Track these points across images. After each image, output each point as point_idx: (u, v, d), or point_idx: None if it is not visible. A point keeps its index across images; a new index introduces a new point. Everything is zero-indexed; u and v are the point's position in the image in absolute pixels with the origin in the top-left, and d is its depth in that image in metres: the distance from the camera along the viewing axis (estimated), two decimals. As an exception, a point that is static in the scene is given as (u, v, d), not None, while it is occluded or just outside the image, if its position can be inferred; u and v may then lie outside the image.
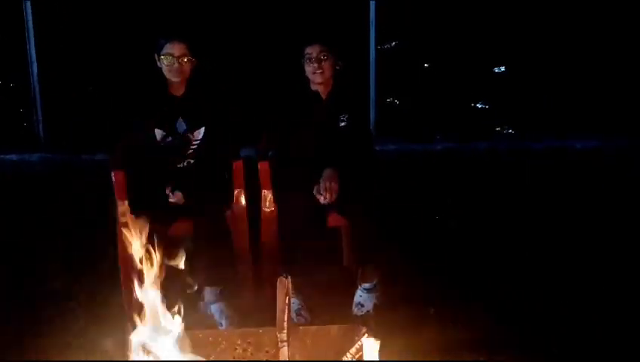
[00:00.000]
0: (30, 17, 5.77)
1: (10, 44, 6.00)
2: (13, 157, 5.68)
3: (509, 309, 3.03)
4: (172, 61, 3.00)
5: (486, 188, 4.73)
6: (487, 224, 4.06)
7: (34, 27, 5.80)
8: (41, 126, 5.95)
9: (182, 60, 3.01)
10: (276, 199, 3.16)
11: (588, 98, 6.19)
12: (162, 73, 3.05)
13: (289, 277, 2.07)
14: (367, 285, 3.05)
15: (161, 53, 3.01)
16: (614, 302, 3.09)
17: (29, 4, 5.73)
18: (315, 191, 2.95)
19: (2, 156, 5.66)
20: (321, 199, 2.94)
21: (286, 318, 2.02)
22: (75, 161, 5.57)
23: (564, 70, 6.26)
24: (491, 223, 4.08)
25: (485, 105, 6.46)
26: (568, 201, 4.41)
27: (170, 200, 2.94)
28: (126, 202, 3.04)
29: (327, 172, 2.98)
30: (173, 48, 3.01)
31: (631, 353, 2.71)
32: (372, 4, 5.90)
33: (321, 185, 2.94)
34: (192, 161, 3.13)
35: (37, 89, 5.91)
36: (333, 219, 3.08)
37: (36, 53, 5.84)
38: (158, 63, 3.05)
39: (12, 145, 5.85)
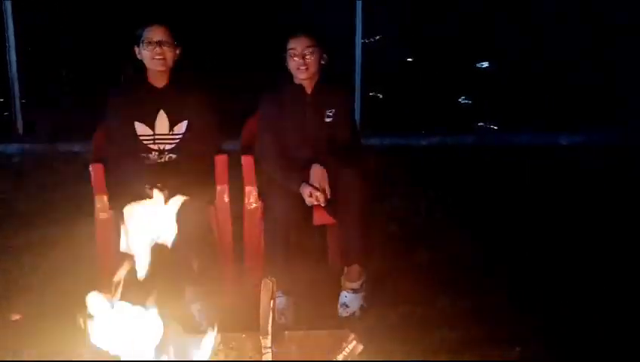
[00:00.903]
0: (9, 6, 5.63)
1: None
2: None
3: (496, 309, 2.97)
4: (153, 47, 2.90)
5: (472, 184, 4.68)
6: (474, 220, 4.01)
7: (12, 15, 5.65)
8: (19, 116, 5.81)
9: (164, 46, 2.90)
10: (260, 195, 3.07)
11: (573, 93, 6.18)
12: (143, 65, 2.95)
13: (274, 279, 1.99)
14: (352, 285, 2.98)
15: (142, 40, 2.91)
16: (605, 297, 3.06)
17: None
18: (304, 192, 2.86)
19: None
20: (312, 200, 2.86)
21: (270, 323, 1.94)
22: (53, 151, 5.43)
23: (549, 65, 6.25)
24: (479, 219, 4.02)
25: (468, 100, 6.44)
26: (554, 198, 4.38)
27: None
28: (105, 197, 2.95)
29: (315, 170, 2.89)
30: (153, 33, 2.91)
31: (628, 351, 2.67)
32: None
33: (311, 185, 2.86)
34: (173, 156, 3.03)
35: (15, 78, 5.77)
36: (320, 217, 3.00)
37: (15, 42, 5.70)
38: (139, 55, 2.95)
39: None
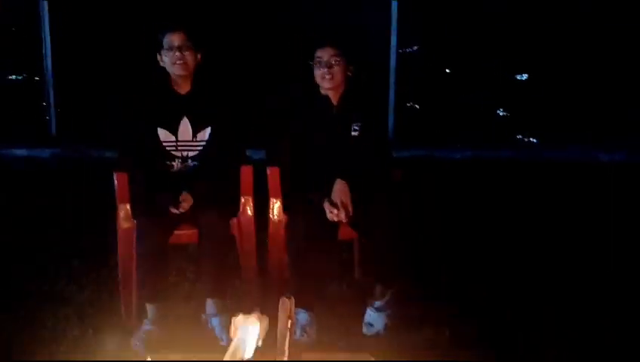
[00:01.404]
0: (46, 13, 5.70)
1: (25, 39, 5.95)
2: (24, 152, 5.59)
3: (529, 334, 2.85)
4: (174, 52, 2.86)
5: (507, 201, 4.54)
6: (509, 240, 3.87)
7: (49, 22, 5.71)
8: (53, 121, 5.87)
9: (184, 51, 2.86)
10: (285, 208, 3.00)
11: (614, 108, 6.00)
12: (166, 72, 2.91)
13: (292, 298, 1.91)
14: (377, 303, 2.88)
15: (163, 46, 2.88)
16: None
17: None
18: (326, 207, 2.79)
19: (13, 150, 5.57)
20: (333, 216, 2.78)
21: (287, 343, 1.86)
22: (85, 157, 5.46)
23: (589, 79, 6.09)
24: (514, 239, 3.88)
25: (506, 112, 6.32)
26: (592, 217, 4.21)
27: (174, 211, 2.80)
28: (127, 206, 2.91)
29: (337, 186, 2.82)
30: (174, 38, 2.87)
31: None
32: (394, 6, 5.73)
33: (333, 201, 2.78)
34: (196, 163, 2.97)
35: (50, 84, 5.84)
36: (345, 232, 2.91)
37: (51, 48, 5.76)
38: (161, 62, 2.91)
39: (23, 140, 5.78)
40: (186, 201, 2.82)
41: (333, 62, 2.89)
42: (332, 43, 2.92)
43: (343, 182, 2.81)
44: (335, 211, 2.77)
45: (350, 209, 2.79)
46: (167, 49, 2.88)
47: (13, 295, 3.12)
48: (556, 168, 5.26)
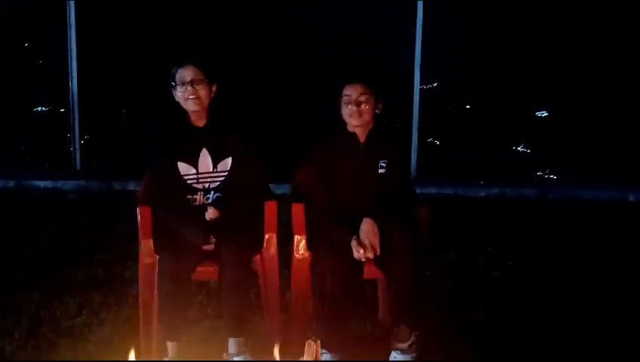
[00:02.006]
0: (74, 45, 5.77)
1: (53, 71, 6.03)
2: (48, 183, 5.63)
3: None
4: (185, 87, 2.85)
5: (532, 240, 4.45)
6: (535, 280, 3.78)
7: (77, 56, 5.79)
8: (77, 153, 5.91)
9: (196, 85, 2.85)
10: (309, 245, 2.95)
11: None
12: (181, 106, 2.90)
13: (318, 341, 1.86)
14: (401, 346, 2.81)
15: (175, 81, 2.87)
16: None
17: (73, 33, 5.75)
18: (353, 246, 2.74)
19: (36, 182, 5.60)
20: (360, 256, 2.73)
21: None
22: (109, 189, 5.48)
23: (614, 116, 6.03)
24: (539, 279, 3.79)
25: (527, 148, 6.28)
26: (621, 261, 4.10)
27: (206, 248, 2.76)
28: (150, 241, 2.88)
29: (365, 225, 2.76)
30: (185, 73, 2.86)
31: None
32: (418, 43, 5.74)
33: (360, 239, 2.73)
34: (219, 195, 2.94)
35: (76, 115, 5.88)
36: (370, 271, 2.85)
37: (77, 80, 5.83)
38: (176, 97, 2.91)
39: (47, 172, 5.83)
40: (210, 217, 2.80)
41: (362, 100, 2.86)
42: (362, 80, 2.89)
43: (371, 221, 2.76)
44: (362, 251, 2.71)
45: (378, 249, 2.73)
46: (179, 84, 2.87)
47: (32, 328, 3.09)
48: (587, 208, 5.16)
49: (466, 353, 2.91)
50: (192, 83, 2.85)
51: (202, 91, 2.87)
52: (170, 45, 5.77)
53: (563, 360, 2.93)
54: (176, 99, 2.90)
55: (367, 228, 2.75)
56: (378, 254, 2.74)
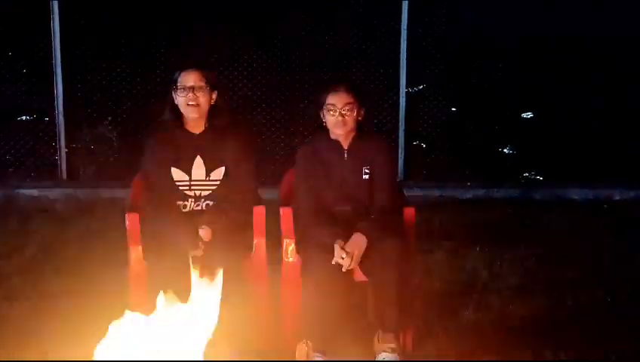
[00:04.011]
0: (58, 52, 5.76)
1: (37, 79, 6.01)
2: (35, 192, 5.60)
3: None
4: (187, 92, 2.86)
5: (518, 240, 4.48)
6: (521, 279, 3.81)
7: (61, 64, 5.77)
8: (63, 161, 5.89)
9: (197, 92, 2.87)
10: (299, 249, 2.97)
11: (623, 145, 5.99)
12: (179, 111, 2.91)
13: (309, 343, 1.88)
14: (388, 345, 2.81)
15: (176, 85, 2.89)
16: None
17: (57, 40, 5.73)
18: (335, 249, 2.77)
19: (23, 190, 5.57)
20: (339, 260, 2.76)
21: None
22: (95, 197, 5.46)
23: (599, 116, 6.10)
24: (526, 278, 3.83)
25: (512, 150, 6.33)
26: (607, 260, 4.14)
27: (195, 254, 2.77)
28: (139, 248, 2.88)
29: (356, 238, 2.80)
30: (188, 78, 2.88)
31: None
32: (403, 46, 5.78)
33: (346, 248, 2.77)
34: (210, 203, 2.95)
35: (61, 123, 5.86)
36: (360, 274, 2.87)
37: (63, 87, 5.81)
38: (175, 100, 2.92)
39: (34, 180, 5.81)
40: (205, 240, 2.79)
41: (347, 109, 2.89)
42: (345, 89, 2.92)
43: (363, 236, 2.80)
44: (344, 256, 2.74)
45: (357, 262, 2.77)
46: (180, 89, 2.89)
47: (23, 338, 3.07)
48: (566, 206, 5.21)
49: (455, 353, 2.92)
50: (193, 89, 2.87)
51: (202, 98, 2.89)
52: (165, 51, 5.77)
53: (555, 357, 2.95)
54: (176, 103, 2.91)
55: (356, 241, 2.79)
56: (355, 265, 2.78)
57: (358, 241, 2.78)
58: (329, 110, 2.91)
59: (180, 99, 2.89)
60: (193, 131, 2.96)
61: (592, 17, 6.13)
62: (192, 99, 2.87)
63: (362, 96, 2.97)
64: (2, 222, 4.86)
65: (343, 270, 2.76)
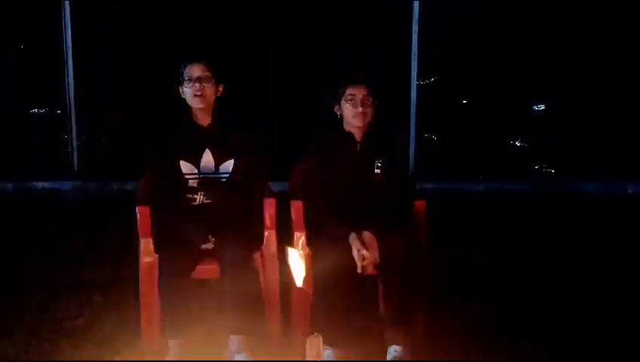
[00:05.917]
0: (70, 46, 5.76)
1: (48, 72, 6.02)
2: (47, 184, 5.63)
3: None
4: (193, 83, 2.86)
5: (530, 234, 4.46)
6: (534, 273, 3.79)
7: (73, 56, 5.78)
8: (75, 153, 5.90)
9: (203, 82, 2.86)
10: (309, 242, 2.95)
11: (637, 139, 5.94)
12: (187, 103, 2.91)
13: (320, 336, 1.87)
14: (397, 342, 2.80)
15: (183, 77, 2.88)
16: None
17: (69, 33, 5.73)
18: (353, 244, 2.77)
19: (35, 183, 5.60)
20: (359, 260, 2.75)
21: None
22: (106, 189, 5.48)
23: (611, 109, 6.04)
24: (538, 272, 3.80)
25: (524, 143, 6.29)
26: (621, 254, 4.10)
27: (205, 247, 2.77)
28: (150, 240, 2.88)
29: (366, 238, 2.79)
30: (193, 70, 2.88)
31: None
32: (414, 38, 5.74)
33: (361, 252, 2.76)
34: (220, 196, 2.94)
35: (73, 115, 5.87)
36: (371, 267, 2.85)
37: (74, 80, 5.82)
38: (182, 93, 2.91)
39: (45, 173, 5.82)
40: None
41: (366, 102, 2.89)
42: (366, 81, 2.92)
43: (371, 234, 2.79)
44: (365, 252, 2.74)
45: (377, 258, 2.77)
46: (186, 80, 2.88)
47: (33, 329, 3.09)
48: (579, 200, 5.17)
49: (465, 349, 2.91)
50: (199, 80, 2.86)
51: (208, 90, 2.88)
52: (175, 44, 5.77)
53: (562, 356, 2.93)
54: (183, 95, 2.91)
55: (370, 243, 2.78)
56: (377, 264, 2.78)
57: (371, 243, 2.78)
58: (348, 100, 2.90)
59: (187, 90, 2.89)
60: (201, 124, 2.95)
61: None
62: (198, 89, 2.86)
63: (377, 91, 2.95)
64: (14, 213, 4.89)
65: (359, 271, 2.76)
